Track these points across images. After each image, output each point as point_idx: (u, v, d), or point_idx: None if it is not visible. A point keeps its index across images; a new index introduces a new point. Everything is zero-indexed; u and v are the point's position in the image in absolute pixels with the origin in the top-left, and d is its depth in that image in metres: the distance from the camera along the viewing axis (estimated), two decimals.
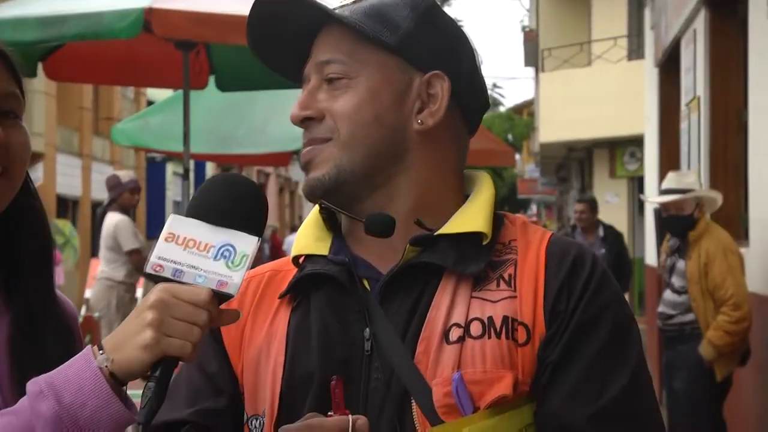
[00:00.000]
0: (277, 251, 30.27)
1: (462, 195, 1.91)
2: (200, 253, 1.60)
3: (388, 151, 1.84)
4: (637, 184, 23.24)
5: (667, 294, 7.59)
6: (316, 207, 1.96)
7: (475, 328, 1.75)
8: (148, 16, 6.15)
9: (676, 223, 7.37)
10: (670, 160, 11.08)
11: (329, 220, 1.94)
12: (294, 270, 1.91)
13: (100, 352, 1.59)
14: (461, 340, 1.75)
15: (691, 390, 6.94)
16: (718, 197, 7.25)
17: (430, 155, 1.87)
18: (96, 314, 10.22)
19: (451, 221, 1.84)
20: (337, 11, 1.86)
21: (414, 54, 1.87)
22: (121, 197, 10.31)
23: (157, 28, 6.30)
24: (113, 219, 10.32)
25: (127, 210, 10.61)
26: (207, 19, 6.43)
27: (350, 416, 1.60)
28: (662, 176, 9.14)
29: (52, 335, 1.86)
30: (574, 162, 30.51)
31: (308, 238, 1.92)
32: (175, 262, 1.59)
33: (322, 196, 1.84)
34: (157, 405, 1.56)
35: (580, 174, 30.18)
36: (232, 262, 1.59)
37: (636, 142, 20.38)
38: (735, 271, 6.75)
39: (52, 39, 6.86)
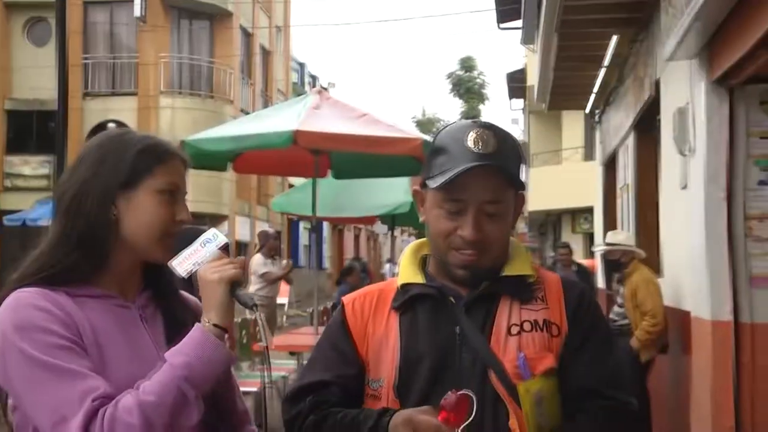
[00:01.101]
0: (370, 275, 30.51)
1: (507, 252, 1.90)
2: (197, 253, 1.68)
3: (506, 247, 1.86)
4: (588, 238, 23.00)
5: (615, 308, 7.60)
6: (408, 251, 1.94)
7: (527, 326, 1.77)
8: (296, 135, 6.24)
9: (611, 264, 7.46)
10: (610, 223, 10.99)
11: (421, 262, 1.92)
12: (393, 290, 1.89)
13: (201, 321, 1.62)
14: (519, 333, 1.76)
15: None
16: (638, 250, 7.23)
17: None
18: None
19: (508, 268, 1.85)
20: (497, 163, 1.75)
21: (519, 184, 1.83)
22: (269, 243, 10.40)
23: (301, 142, 6.35)
24: (254, 257, 10.41)
25: (274, 251, 10.66)
26: (331, 137, 6.52)
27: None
28: (605, 234, 9.13)
29: (182, 316, 1.79)
30: (550, 223, 30.25)
31: (408, 271, 1.88)
32: (194, 263, 1.67)
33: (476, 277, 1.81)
34: (251, 298, 1.63)
35: (553, 230, 29.91)
36: (214, 238, 1.69)
37: (588, 211, 20.20)
38: (653, 295, 6.68)
39: (238, 149, 7.01)
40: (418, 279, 1.87)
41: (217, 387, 1.66)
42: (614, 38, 8.56)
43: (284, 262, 10.08)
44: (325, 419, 1.77)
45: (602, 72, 10.04)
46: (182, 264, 1.67)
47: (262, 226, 28.81)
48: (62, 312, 1.58)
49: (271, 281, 10.27)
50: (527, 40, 13.07)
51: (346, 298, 1.95)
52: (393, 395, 1.77)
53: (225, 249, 1.69)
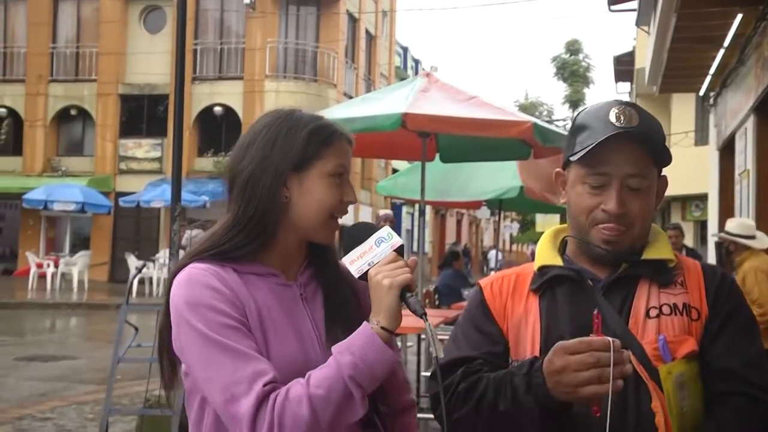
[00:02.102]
0: (471, 259, 31.37)
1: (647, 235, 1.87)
2: (370, 252, 1.67)
3: (649, 228, 1.84)
4: (699, 225, 22.31)
5: None
6: (547, 235, 1.93)
7: (666, 309, 1.74)
8: (405, 117, 6.18)
9: (723, 251, 7.22)
10: (726, 210, 10.63)
11: (561, 246, 1.90)
12: (529, 273, 1.89)
13: (370, 321, 1.61)
14: (658, 316, 1.73)
15: None
16: (744, 241, 6.85)
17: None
18: None
19: (648, 251, 1.82)
20: (640, 133, 1.74)
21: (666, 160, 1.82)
22: (379, 225, 10.40)
23: (410, 125, 6.30)
24: None
25: None
26: (440, 119, 6.42)
27: (611, 339, 1.54)
28: (721, 221, 8.83)
29: (347, 298, 1.81)
30: (658, 209, 29.33)
31: (547, 254, 1.88)
32: (367, 263, 1.66)
33: (618, 256, 1.79)
34: (421, 306, 1.60)
35: (662, 217, 29.04)
36: (387, 238, 1.68)
37: (699, 198, 19.63)
38: (761, 283, 6.46)
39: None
40: (557, 261, 1.87)
41: None
42: (738, 17, 8.20)
43: None
44: (477, 383, 1.76)
45: (721, 52, 9.66)
46: (354, 262, 1.68)
47: (364, 210, 29.11)
48: (230, 291, 1.64)
49: None
50: (642, 21, 12.68)
51: (483, 281, 1.96)
52: None
53: (399, 250, 1.68)
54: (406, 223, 34.87)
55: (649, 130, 1.77)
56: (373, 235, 1.69)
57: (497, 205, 11.84)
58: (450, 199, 11.88)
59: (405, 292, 1.61)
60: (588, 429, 1.61)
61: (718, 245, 8.56)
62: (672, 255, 1.82)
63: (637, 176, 1.76)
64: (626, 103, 1.80)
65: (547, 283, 1.84)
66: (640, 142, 1.75)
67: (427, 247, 36.59)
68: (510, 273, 1.94)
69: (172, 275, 1.70)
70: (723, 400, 1.69)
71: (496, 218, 14.35)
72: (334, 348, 1.60)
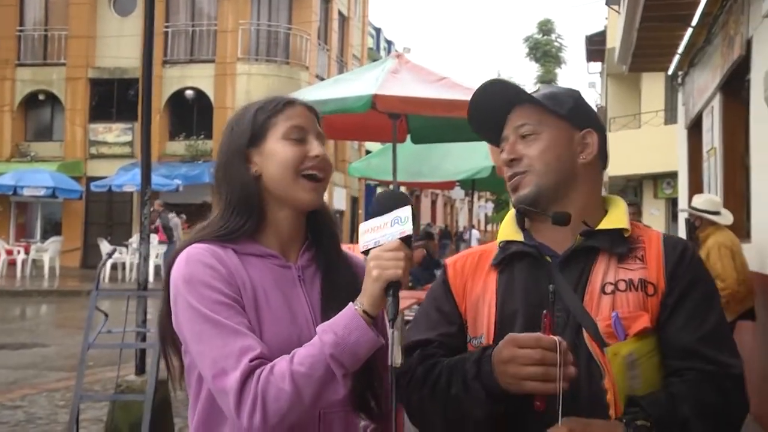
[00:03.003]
0: (451, 240, 31.81)
1: (603, 208, 1.90)
2: (383, 229, 1.66)
3: (564, 176, 1.83)
4: (671, 203, 22.51)
5: None
6: (511, 213, 1.96)
7: (622, 285, 1.74)
8: (375, 99, 6.21)
9: (690, 227, 7.29)
10: (695, 188, 10.71)
11: (520, 220, 1.93)
12: (493, 251, 1.92)
13: (355, 302, 1.63)
14: (613, 292, 1.74)
15: None
16: (709, 216, 6.97)
17: (587, 180, 1.86)
18: None
19: (604, 222, 1.84)
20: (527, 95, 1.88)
21: (575, 119, 1.86)
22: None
23: (380, 106, 6.31)
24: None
25: None
26: (410, 101, 6.45)
27: (558, 338, 1.57)
28: (690, 198, 8.88)
29: (345, 282, 1.82)
30: (630, 188, 29.61)
31: (509, 229, 1.92)
32: (373, 240, 1.66)
33: (527, 204, 1.83)
34: (396, 310, 1.59)
35: (634, 195, 29.28)
36: (402, 222, 1.65)
37: (670, 176, 19.76)
38: (723, 259, 6.54)
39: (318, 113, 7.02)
40: (518, 237, 1.89)
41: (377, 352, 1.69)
42: None
43: None
44: (433, 367, 1.79)
45: (689, 31, 9.71)
46: (367, 233, 1.69)
47: (338, 192, 29.05)
48: (226, 270, 1.71)
49: None
50: (612, 0, 12.70)
51: (449, 260, 1.99)
52: None
53: (407, 239, 1.65)
54: None
55: (538, 91, 1.90)
56: (394, 212, 1.67)
57: (470, 186, 11.88)
58: (423, 180, 11.91)
59: (391, 287, 1.61)
60: (538, 417, 1.61)
61: (687, 221, 8.66)
62: (626, 224, 1.83)
63: (525, 124, 1.86)
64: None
65: (507, 258, 1.86)
66: (518, 100, 1.88)
67: None
68: (476, 250, 1.98)
69: (172, 258, 1.76)
70: (679, 374, 1.70)
71: (470, 198, 14.40)
72: (319, 327, 1.63)
